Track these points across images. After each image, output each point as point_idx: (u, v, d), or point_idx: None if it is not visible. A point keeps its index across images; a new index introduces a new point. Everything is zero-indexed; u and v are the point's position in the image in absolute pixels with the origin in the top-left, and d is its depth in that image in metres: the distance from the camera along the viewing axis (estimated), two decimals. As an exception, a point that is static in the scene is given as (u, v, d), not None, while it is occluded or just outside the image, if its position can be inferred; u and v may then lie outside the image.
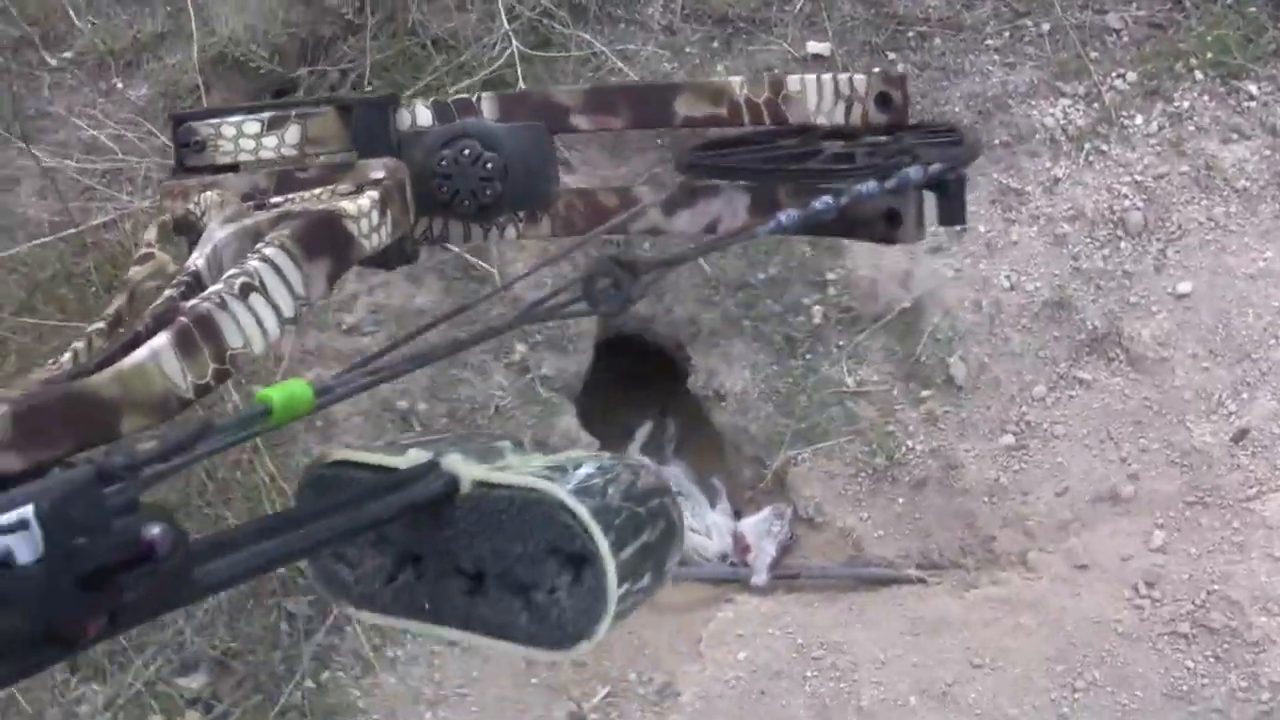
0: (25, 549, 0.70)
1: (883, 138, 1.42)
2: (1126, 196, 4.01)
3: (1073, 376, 3.92)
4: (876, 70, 1.44)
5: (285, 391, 0.88)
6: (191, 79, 3.80)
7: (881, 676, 3.63)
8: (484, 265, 3.77)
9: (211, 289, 1.03)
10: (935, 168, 1.31)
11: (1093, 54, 4.13)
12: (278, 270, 1.07)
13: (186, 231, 1.30)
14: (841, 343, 3.92)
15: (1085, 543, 3.80)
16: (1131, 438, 3.87)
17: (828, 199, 1.21)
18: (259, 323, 1.04)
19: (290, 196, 1.30)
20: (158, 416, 0.94)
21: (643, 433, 4.11)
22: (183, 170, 1.43)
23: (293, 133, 1.42)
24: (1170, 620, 3.67)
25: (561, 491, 0.94)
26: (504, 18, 3.86)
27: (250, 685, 3.51)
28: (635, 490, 1.01)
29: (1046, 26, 4.15)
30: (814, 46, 4.05)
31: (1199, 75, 4.13)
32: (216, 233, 1.16)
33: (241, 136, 1.42)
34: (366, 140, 1.41)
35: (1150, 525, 3.80)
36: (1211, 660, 3.63)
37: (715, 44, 4.05)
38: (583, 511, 0.94)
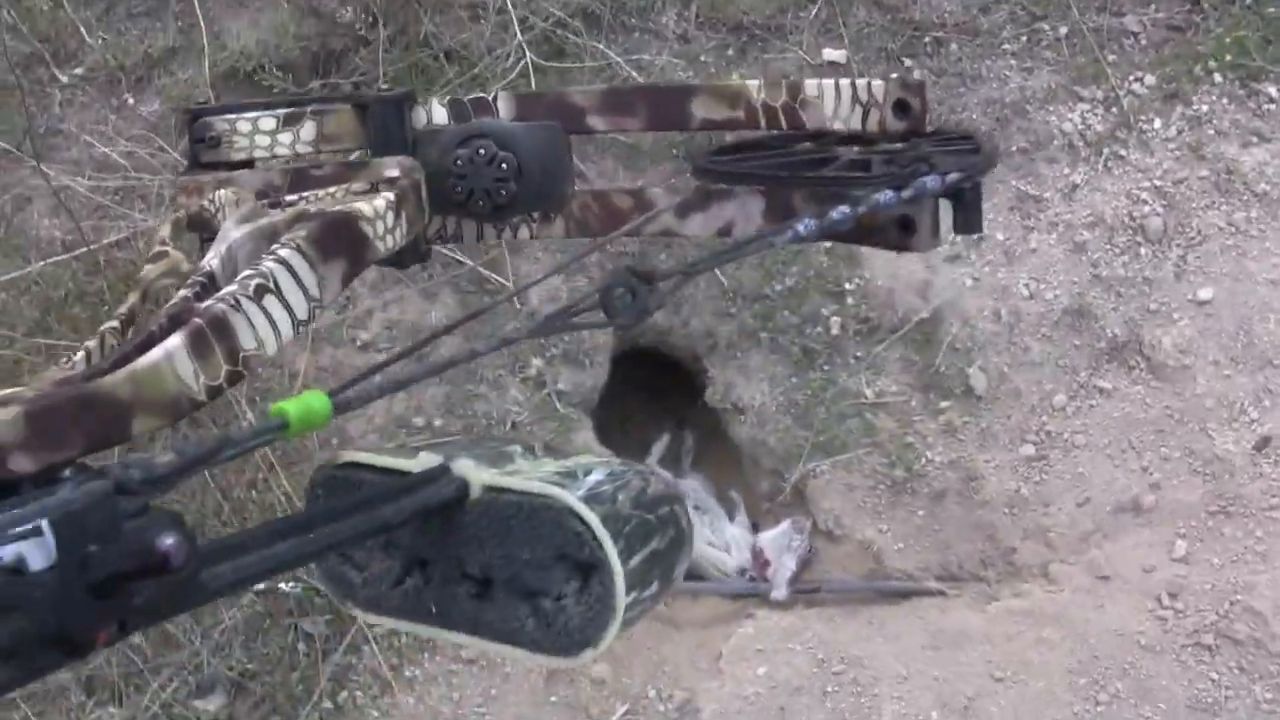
0: (38, 556, 0.70)
1: (899, 145, 1.40)
2: (1146, 202, 3.97)
3: (1093, 385, 3.88)
4: (895, 76, 1.41)
5: (301, 404, 0.88)
6: (203, 94, 3.77)
7: (902, 691, 3.61)
8: (498, 279, 3.75)
9: (226, 290, 1.02)
10: (952, 177, 1.29)
11: (1110, 57, 4.09)
12: (292, 272, 1.07)
13: (201, 228, 1.30)
14: (860, 354, 3.89)
15: (1107, 554, 3.78)
16: (1153, 447, 3.84)
17: (844, 209, 1.19)
18: (273, 324, 1.03)
19: (305, 195, 1.30)
20: (170, 417, 0.93)
21: (660, 446, 4.09)
22: (197, 166, 1.43)
23: (308, 129, 1.42)
24: (1193, 631, 3.65)
25: (571, 498, 0.94)
26: (517, 28, 3.83)
27: (268, 707, 3.50)
28: (645, 497, 1.00)
29: (1064, 30, 4.11)
30: (830, 53, 4.01)
31: (1218, 78, 4.09)
32: (231, 232, 1.15)
33: (257, 133, 1.42)
34: (382, 138, 1.41)
35: (1172, 535, 3.77)
36: (1236, 672, 3.60)
37: (730, 52, 4.01)
38: (592, 519, 0.93)
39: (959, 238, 3.91)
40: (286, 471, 3.53)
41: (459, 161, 1.41)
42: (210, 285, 1.07)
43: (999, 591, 3.81)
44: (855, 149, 1.41)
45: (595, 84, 3.86)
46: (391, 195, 1.25)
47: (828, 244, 3.42)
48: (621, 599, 0.93)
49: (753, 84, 1.42)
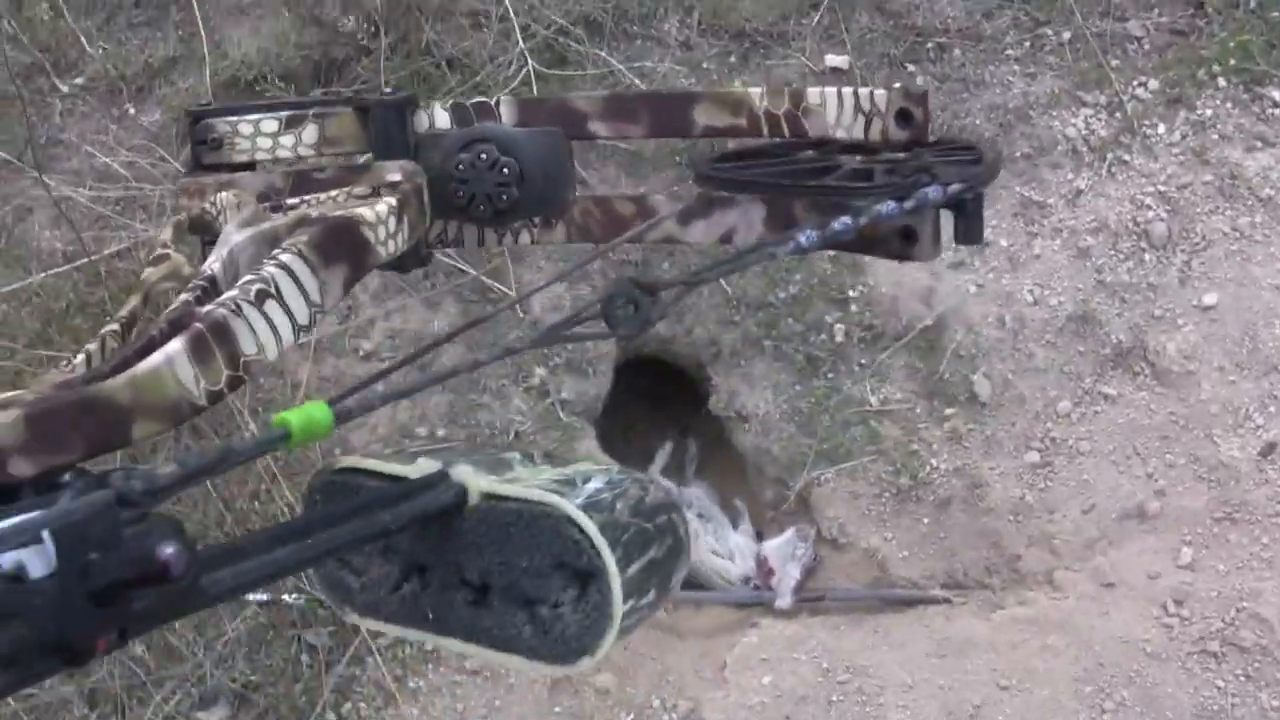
0: (38, 563, 0.70)
1: (901, 154, 1.39)
2: (1150, 207, 3.96)
3: (1098, 392, 3.87)
4: (898, 85, 1.41)
5: (303, 414, 0.88)
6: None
7: (908, 700, 3.60)
8: (501, 288, 3.74)
9: (227, 295, 1.03)
10: (954, 187, 1.29)
11: (1114, 62, 4.08)
12: (294, 277, 1.07)
13: (202, 231, 1.31)
14: (864, 361, 3.88)
15: (1112, 561, 3.77)
16: (1158, 453, 3.83)
17: (846, 220, 1.20)
18: (273, 329, 1.03)
19: (306, 198, 1.30)
20: (170, 422, 0.94)
21: (663, 454, 4.07)
22: (199, 168, 1.44)
23: (310, 132, 1.42)
24: (1199, 639, 3.64)
25: (570, 506, 0.94)
26: (519, 36, 3.82)
27: (271, 719, 3.49)
28: (644, 506, 1.00)
29: (1067, 35, 4.10)
30: (832, 60, 4.00)
31: (1222, 82, 4.07)
32: (233, 236, 1.16)
33: (259, 135, 1.42)
34: (384, 141, 1.41)
35: (1178, 542, 3.76)
36: (1242, 679, 3.59)
37: (733, 59, 4.00)
38: (590, 527, 0.93)
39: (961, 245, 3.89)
40: (289, 482, 3.52)
41: (461, 166, 1.41)
42: (211, 289, 1.07)
43: (1004, 599, 3.80)
44: (857, 158, 1.41)
45: (598, 90, 3.85)
46: (394, 200, 1.26)
47: (831, 251, 3.41)
48: (619, 607, 0.93)
49: (755, 91, 1.42)
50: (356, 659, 3.55)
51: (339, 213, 1.20)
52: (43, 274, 3.60)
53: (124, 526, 0.74)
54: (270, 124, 1.42)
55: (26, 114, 3.66)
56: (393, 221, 1.24)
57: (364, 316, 3.76)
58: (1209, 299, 3.89)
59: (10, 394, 0.89)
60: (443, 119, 1.44)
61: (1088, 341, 3.89)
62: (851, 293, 3.89)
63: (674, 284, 1.05)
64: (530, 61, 3.80)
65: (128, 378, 0.91)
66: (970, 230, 1.34)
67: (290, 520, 0.91)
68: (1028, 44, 4.09)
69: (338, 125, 1.42)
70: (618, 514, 0.96)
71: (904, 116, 1.38)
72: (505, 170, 1.41)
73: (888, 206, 1.24)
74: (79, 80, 3.87)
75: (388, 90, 1.49)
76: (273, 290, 1.04)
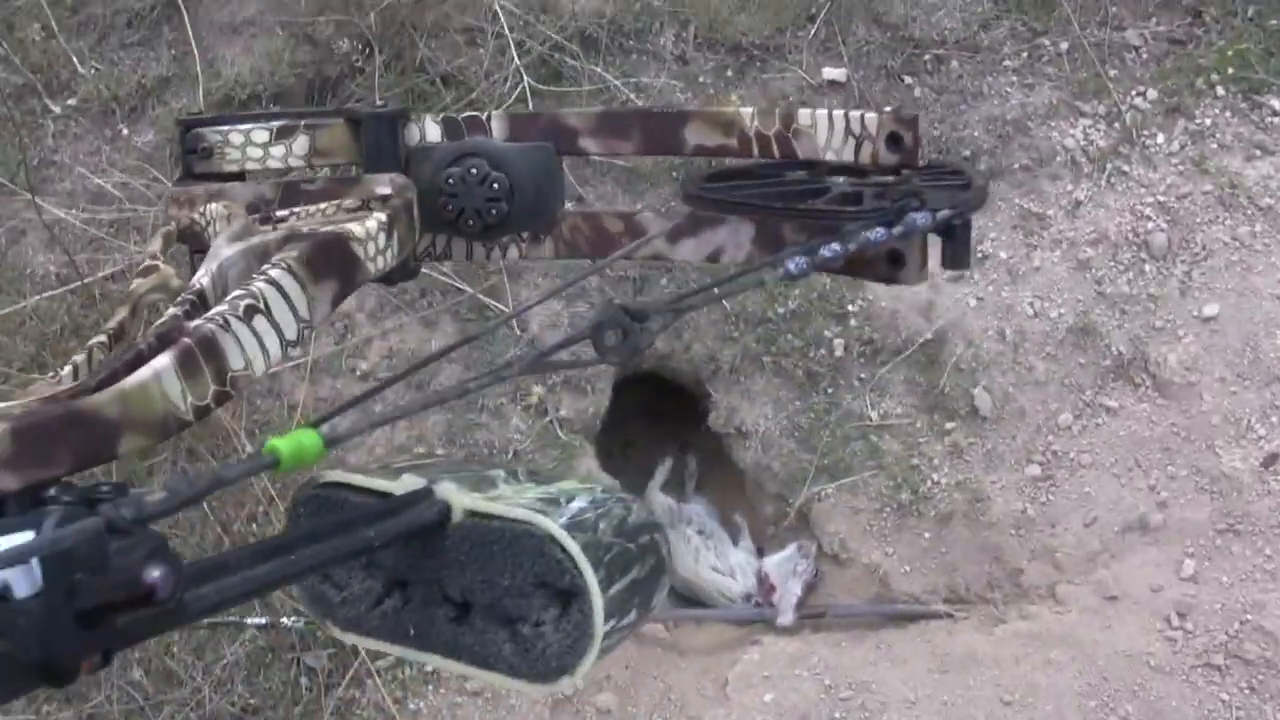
0: (23, 583, 0.70)
1: (890, 178, 1.40)
2: (1150, 218, 3.94)
3: (1099, 404, 3.86)
4: (888, 110, 1.41)
5: (293, 441, 0.88)
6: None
7: (911, 716, 3.59)
8: (499, 306, 3.72)
9: (216, 309, 1.03)
10: (943, 214, 1.30)
11: (1112, 72, 4.06)
12: (283, 292, 1.08)
13: (191, 241, 1.32)
14: (863, 376, 3.86)
15: (1115, 574, 3.75)
16: (1160, 465, 3.81)
17: (835, 246, 1.21)
18: (261, 345, 1.04)
19: (296, 210, 1.31)
20: (157, 437, 0.94)
21: (663, 470, 4.05)
22: (189, 176, 1.45)
23: (301, 143, 1.43)
24: (1203, 652, 3.62)
25: (553, 526, 0.94)
26: (514, 52, 3.80)
27: (272, 743, 3.47)
28: (626, 526, 1.01)
29: (1064, 45, 4.08)
30: (830, 72, 3.98)
31: (1220, 91, 4.06)
32: (223, 250, 1.16)
33: (249, 145, 1.43)
34: (375, 154, 1.42)
35: (1181, 554, 3.75)
36: (1246, 692, 3.58)
37: (729, 73, 3.97)
38: (574, 547, 0.94)
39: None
40: (286, 504, 3.49)
41: (451, 180, 1.42)
42: (200, 304, 1.08)
43: (1006, 613, 3.78)
44: (847, 180, 1.42)
45: (590, 106, 3.83)
46: (384, 216, 1.26)
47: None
48: (600, 627, 0.94)
49: (746, 112, 1.43)
50: (356, 681, 3.53)
51: (329, 228, 1.20)
52: (36, 297, 3.58)
53: (111, 551, 0.74)
54: (261, 134, 1.43)
55: (19, 136, 3.64)
56: (382, 238, 1.24)
57: (361, 336, 3.74)
58: (1210, 309, 3.88)
59: None
60: (434, 132, 1.45)
61: (1088, 353, 3.88)
62: (851, 307, 3.87)
63: (662, 311, 1.06)
64: (525, 77, 3.78)
65: (115, 392, 0.91)
66: (957, 256, 1.35)
67: (274, 536, 0.92)
68: (1025, 54, 4.07)
69: (329, 137, 1.43)
70: (601, 534, 0.97)
71: (894, 140, 1.39)
72: (495, 185, 1.41)
73: (876, 233, 1.24)
74: (71, 101, 3.84)
75: (379, 103, 1.49)
76: (261, 306, 1.05)
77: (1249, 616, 3.64)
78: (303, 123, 1.44)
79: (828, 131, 1.41)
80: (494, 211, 1.42)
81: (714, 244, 1.45)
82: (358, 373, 3.72)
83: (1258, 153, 4.01)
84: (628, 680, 3.65)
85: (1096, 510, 3.80)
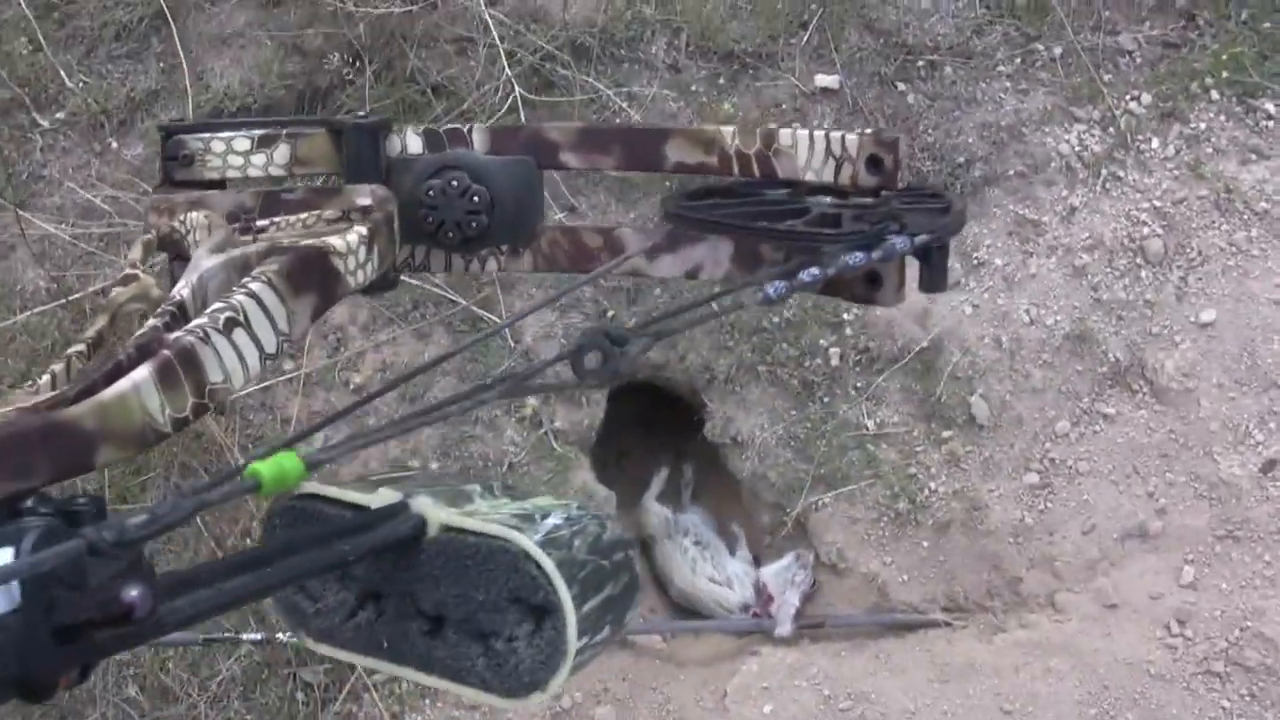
0: (1, 600, 0.71)
1: (870, 200, 1.41)
2: (1145, 223, 3.93)
3: (1096, 411, 3.84)
4: (869, 131, 1.42)
5: (275, 464, 0.89)
6: (187, 136, 3.70)
7: (911, 727, 3.57)
8: (492, 318, 3.69)
9: (195, 322, 1.03)
10: (921, 239, 1.31)
11: (1106, 77, 4.04)
12: (263, 306, 1.08)
13: (170, 249, 1.32)
14: (860, 384, 3.84)
15: (1114, 581, 3.74)
16: (1158, 472, 3.80)
17: (814, 270, 1.22)
18: (241, 358, 1.04)
19: (277, 220, 1.30)
20: (135, 448, 0.94)
21: (659, 480, 4.03)
22: (170, 184, 1.45)
23: (282, 152, 1.43)
24: (1203, 659, 3.61)
25: (528, 542, 0.95)
26: (505, 62, 3.77)
27: (268, 760, 3.44)
28: (601, 543, 1.02)
29: (1058, 50, 4.06)
30: (822, 80, 3.96)
31: (1215, 95, 4.04)
32: (203, 261, 1.17)
33: (230, 153, 1.43)
34: (356, 164, 1.42)
35: (1180, 561, 3.73)
36: (1247, 699, 3.57)
37: (722, 81, 3.95)
38: (548, 564, 0.94)
39: (956, 264, 3.86)
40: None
41: (431, 192, 1.42)
42: (180, 315, 1.08)
43: (1006, 622, 3.77)
44: (827, 200, 1.43)
45: (585, 119, 3.80)
46: (365, 229, 1.26)
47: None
48: (573, 644, 0.94)
49: (727, 130, 1.43)
50: (353, 696, 3.51)
51: (309, 242, 1.20)
52: (26, 313, 3.56)
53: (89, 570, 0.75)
54: (242, 142, 1.43)
55: (5, 150, 3.62)
56: (363, 251, 1.24)
57: (354, 349, 3.72)
58: (1206, 315, 3.86)
59: None
60: (415, 144, 1.45)
61: (1085, 360, 3.86)
62: (846, 316, 3.85)
63: (643, 335, 1.06)
64: (517, 87, 3.76)
65: (94, 404, 0.91)
66: (934, 279, 1.36)
67: (250, 549, 0.93)
68: (1019, 60, 4.06)
69: (310, 146, 1.43)
70: (575, 551, 0.98)
71: (874, 163, 1.39)
72: (475, 198, 1.42)
73: (855, 257, 1.25)
74: (59, 115, 3.81)
75: (361, 113, 1.50)
76: (241, 319, 1.05)
77: (1249, 623, 3.63)
78: (284, 131, 1.44)
79: (808, 152, 1.41)
80: (474, 224, 1.42)
81: (693, 260, 1.46)
82: (351, 385, 3.70)
83: (1253, 156, 3.99)
84: (626, 692, 3.63)
85: (1095, 518, 3.78)
